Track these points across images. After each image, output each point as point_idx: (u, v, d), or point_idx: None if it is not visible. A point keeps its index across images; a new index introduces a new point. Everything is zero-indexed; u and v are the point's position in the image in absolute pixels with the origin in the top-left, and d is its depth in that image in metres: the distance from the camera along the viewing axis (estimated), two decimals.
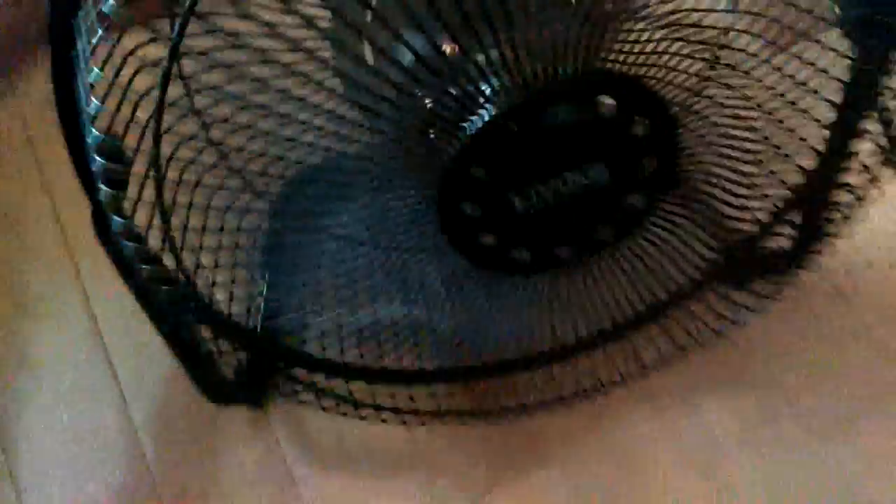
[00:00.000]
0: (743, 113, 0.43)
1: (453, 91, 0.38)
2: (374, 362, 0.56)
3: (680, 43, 0.40)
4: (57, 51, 0.36)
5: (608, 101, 0.39)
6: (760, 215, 0.53)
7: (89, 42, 0.34)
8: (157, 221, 0.40)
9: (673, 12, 0.39)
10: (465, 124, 0.38)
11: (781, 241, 0.56)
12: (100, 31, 0.33)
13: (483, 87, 0.38)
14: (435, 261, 0.45)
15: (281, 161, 0.43)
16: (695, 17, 0.40)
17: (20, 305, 0.71)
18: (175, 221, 0.41)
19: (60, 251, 0.71)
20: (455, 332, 0.53)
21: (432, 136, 0.39)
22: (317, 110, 0.39)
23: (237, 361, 0.57)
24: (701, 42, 0.40)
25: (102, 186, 0.37)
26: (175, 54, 0.33)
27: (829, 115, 0.45)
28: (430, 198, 0.41)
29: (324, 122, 0.40)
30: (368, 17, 0.42)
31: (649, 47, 0.39)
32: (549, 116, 0.39)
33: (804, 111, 0.44)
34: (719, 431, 0.61)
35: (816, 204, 0.54)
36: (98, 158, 0.36)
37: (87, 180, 0.38)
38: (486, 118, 0.38)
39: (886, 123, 0.46)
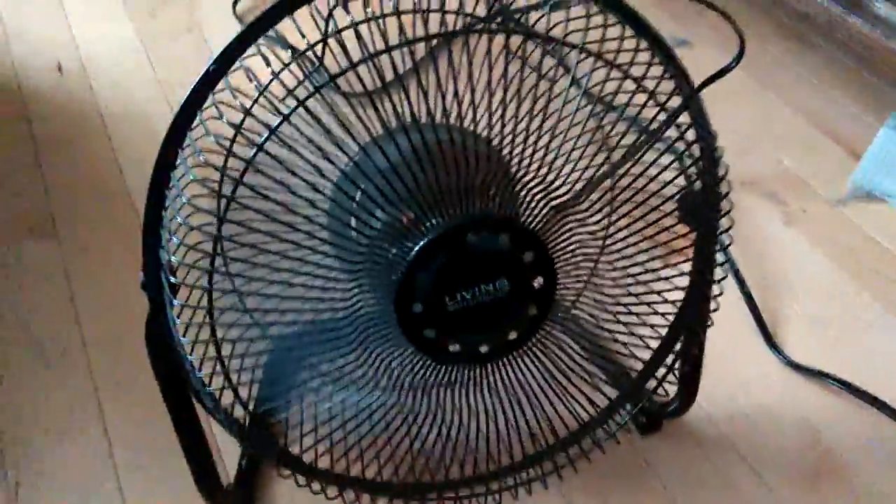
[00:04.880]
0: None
1: (407, 228, 0.60)
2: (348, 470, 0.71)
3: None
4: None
5: (504, 237, 0.61)
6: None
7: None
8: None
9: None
10: (412, 245, 0.60)
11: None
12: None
13: (423, 225, 0.60)
14: (396, 352, 0.64)
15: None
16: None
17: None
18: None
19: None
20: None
21: (392, 254, 0.61)
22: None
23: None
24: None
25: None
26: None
27: None
28: (390, 300, 0.61)
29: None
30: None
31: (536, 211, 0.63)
32: (466, 244, 0.60)
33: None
34: None
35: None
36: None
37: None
38: (424, 242, 0.59)
39: None
